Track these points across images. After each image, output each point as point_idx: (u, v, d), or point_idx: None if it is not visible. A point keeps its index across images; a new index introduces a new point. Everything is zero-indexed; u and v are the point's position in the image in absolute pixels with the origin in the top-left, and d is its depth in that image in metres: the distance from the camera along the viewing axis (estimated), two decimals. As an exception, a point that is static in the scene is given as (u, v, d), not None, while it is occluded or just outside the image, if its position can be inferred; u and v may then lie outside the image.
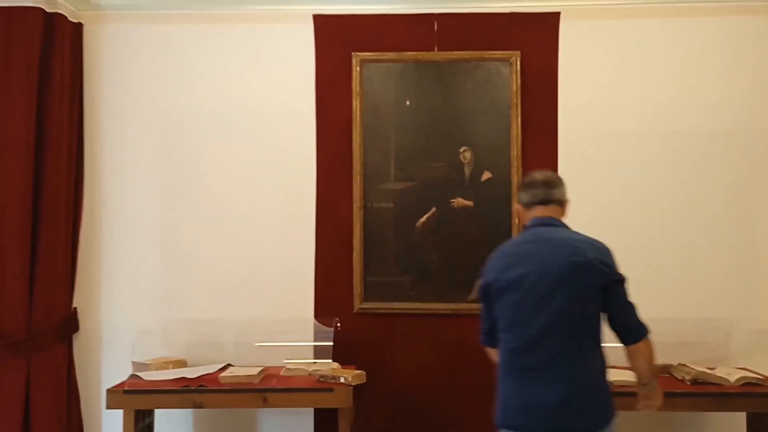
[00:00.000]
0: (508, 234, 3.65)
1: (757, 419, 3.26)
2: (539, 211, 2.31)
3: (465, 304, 3.67)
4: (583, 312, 2.16)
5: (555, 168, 3.68)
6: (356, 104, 3.72)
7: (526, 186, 2.38)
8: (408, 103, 3.75)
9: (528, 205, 2.32)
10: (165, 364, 3.48)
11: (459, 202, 3.71)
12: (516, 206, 2.42)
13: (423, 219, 3.72)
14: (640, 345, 2.19)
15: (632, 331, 2.19)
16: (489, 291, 2.30)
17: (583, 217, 3.33)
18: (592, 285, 2.15)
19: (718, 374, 3.18)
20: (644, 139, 3.67)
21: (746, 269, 3.61)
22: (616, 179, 3.64)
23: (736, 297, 3.56)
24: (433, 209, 3.72)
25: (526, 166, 3.67)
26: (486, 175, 3.71)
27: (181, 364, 3.55)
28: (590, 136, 3.68)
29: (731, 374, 3.18)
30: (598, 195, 3.53)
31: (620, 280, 2.20)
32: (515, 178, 3.66)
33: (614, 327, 2.21)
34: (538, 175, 2.38)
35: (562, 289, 2.15)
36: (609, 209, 3.57)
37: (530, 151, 3.68)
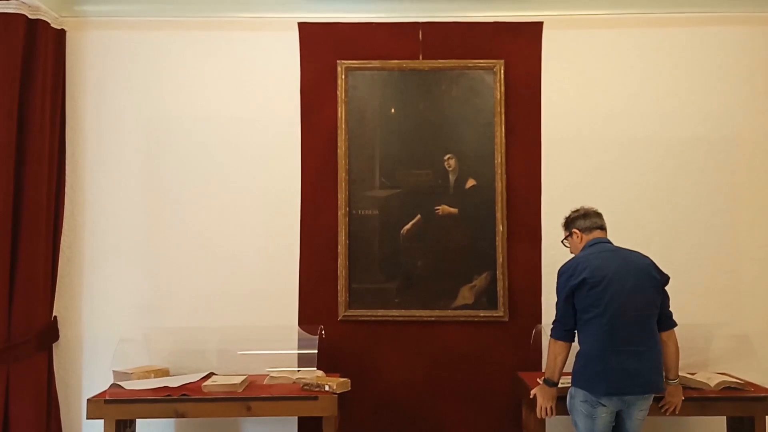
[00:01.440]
0: (493, 241, 3.68)
1: (738, 423, 3.29)
2: (598, 234, 3.01)
3: (450, 311, 3.68)
4: (659, 301, 2.85)
5: (538, 175, 3.73)
6: (341, 112, 3.73)
7: (583, 216, 3.04)
8: (393, 110, 3.77)
9: (589, 230, 3.01)
10: (147, 373, 3.43)
11: (444, 209, 3.73)
12: (574, 231, 3.04)
13: (408, 226, 3.73)
14: (672, 332, 2.90)
15: (669, 319, 2.90)
16: (583, 285, 2.81)
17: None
18: (662, 282, 2.86)
19: (699, 379, 3.22)
20: (626, 147, 3.73)
21: (726, 275, 3.67)
22: (599, 186, 3.68)
23: (717, 302, 3.62)
24: (418, 216, 3.73)
25: (510, 174, 3.71)
26: (470, 183, 3.73)
27: (164, 373, 3.52)
28: (573, 144, 3.73)
29: (711, 379, 3.22)
30: (580, 202, 3.54)
31: (668, 279, 2.90)
32: (499, 185, 3.69)
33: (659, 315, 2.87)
34: (589, 208, 3.07)
35: (649, 284, 2.82)
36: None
37: (514, 158, 3.72)
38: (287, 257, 3.72)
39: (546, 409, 2.94)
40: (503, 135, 3.70)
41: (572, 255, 3.08)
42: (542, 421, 3.11)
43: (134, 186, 3.76)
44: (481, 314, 3.67)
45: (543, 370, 3.31)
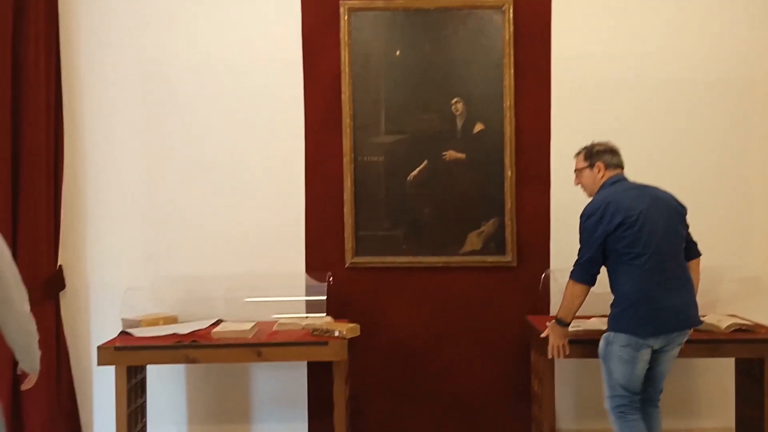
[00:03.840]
0: (501, 186, 3.62)
1: (746, 363, 3.31)
2: (620, 171, 2.95)
3: (458, 257, 3.66)
4: (685, 233, 2.88)
5: (548, 118, 3.65)
6: (345, 55, 3.62)
7: (611, 152, 2.95)
8: (398, 53, 3.65)
9: (614, 166, 2.94)
10: (156, 321, 3.44)
11: (451, 154, 3.66)
12: (599, 164, 2.93)
13: (414, 172, 3.67)
14: (699, 261, 2.94)
15: (696, 247, 2.94)
16: (619, 228, 2.74)
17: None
18: (684, 213, 2.89)
19: (709, 321, 3.21)
20: (638, 89, 3.63)
21: (736, 218, 3.64)
22: (609, 129, 3.54)
23: (726, 245, 3.58)
24: (425, 162, 3.66)
25: (519, 117, 3.63)
26: (478, 127, 3.65)
27: (172, 320, 3.52)
28: (583, 86, 3.64)
29: (722, 321, 3.22)
30: (591, 145, 3.49)
31: (687, 210, 2.92)
32: (508, 130, 3.61)
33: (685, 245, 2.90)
34: (612, 144, 2.98)
35: (677, 218, 2.84)
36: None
37: (523, 101, 3.63)
38: (293, 205, 3.67)
39: (558, 347, 2.92)
40: (512, 77, 3.60)
41: (584, 191, 2.99)
42: (552, 365, 3.12)
43: (135, 132, 3.67)
44: (489, 260, 3.65)
45: (552, 315, 3.32)
